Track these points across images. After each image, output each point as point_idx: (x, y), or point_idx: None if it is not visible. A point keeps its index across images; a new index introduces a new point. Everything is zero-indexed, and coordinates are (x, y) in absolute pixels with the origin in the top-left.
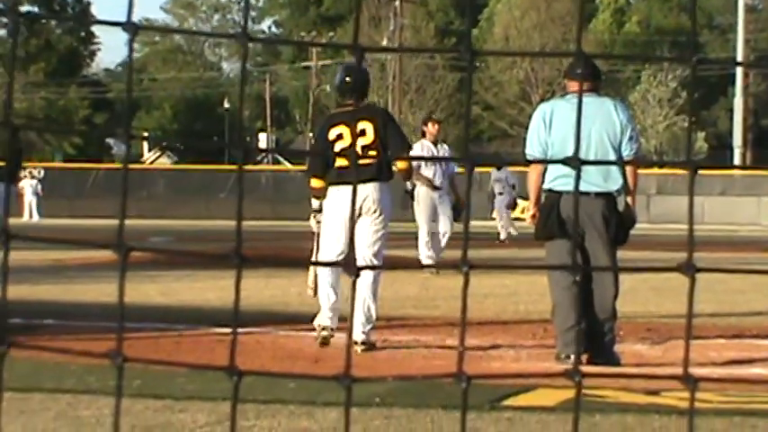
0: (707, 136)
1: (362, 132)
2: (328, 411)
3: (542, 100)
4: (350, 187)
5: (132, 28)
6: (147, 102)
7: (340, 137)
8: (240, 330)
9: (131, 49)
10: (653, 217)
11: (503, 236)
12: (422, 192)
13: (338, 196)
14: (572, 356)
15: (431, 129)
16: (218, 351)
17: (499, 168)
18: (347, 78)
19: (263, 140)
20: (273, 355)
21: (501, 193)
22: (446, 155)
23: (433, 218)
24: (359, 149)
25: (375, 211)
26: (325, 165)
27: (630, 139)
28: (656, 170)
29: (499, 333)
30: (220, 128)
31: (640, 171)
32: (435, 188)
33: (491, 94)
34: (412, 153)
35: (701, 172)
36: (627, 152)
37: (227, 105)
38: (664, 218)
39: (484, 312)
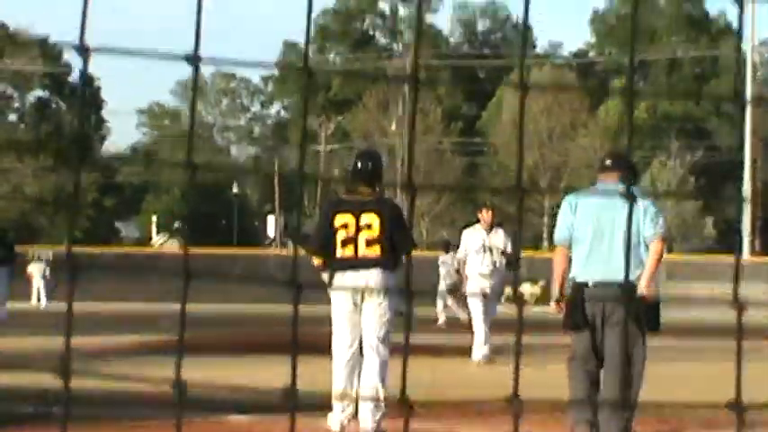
0: (715, 221)
1: (368, 226)
2: None
3: (549, 186)
4: (353, 273)
5: (85, 51)
6: (155, 186)
7: (344, 226)
8: (254, 419)
9: (84, 73)
10: (663, 302)
11: (441, 320)
12: (471, 284)
13: (342, 284)
14: None
15: (484, 215)
16: None
17: (447, 251)
18: (359, 164)
19: (271, 223)
20: None
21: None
22: (500, 241)
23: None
24: (363, 242)
25: (379, 295)
26: (326, 246)
27: (652, 220)
28: (665, 255)
29: (510, 423)
30: (229, 212)
31: None
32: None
33: (499, 179)
34: (464, 238)
35: (709, 258)
36: (650, 232)
37: (235, 190)
38: (674, 303)
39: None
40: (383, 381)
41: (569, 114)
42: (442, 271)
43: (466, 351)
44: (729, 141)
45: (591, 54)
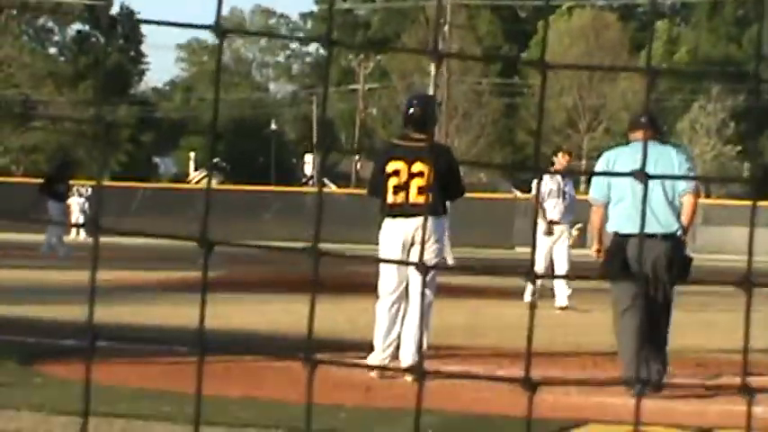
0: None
1: (420, 174)
2: None
3: (588, 128)
4: (403, 220)
5: None
6: (194, 121)
7: (396, 173)
8: (291, 357)
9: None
10: (698, 247)
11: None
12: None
13: (392, 229)
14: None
15: (561, 160)
16: (269, 377)
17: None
18: (411, 110)
19: (308, 162)
20: (325, 383)
21: None
22: (570, 189)
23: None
24: (414, 189)
25: (427, 241)
26: (378, 191)
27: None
28: (702, 200)
29: (548, 365)
30: (267, 149)
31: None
32: (550, 231)
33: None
34: (540, 183)
35: (746, 203)
36: (683, 188)
37: (273, 127)
38: (709, 248)
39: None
40: (427, 325)
41: (610, 57)
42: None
43: (508, 293)
44: None
45: None
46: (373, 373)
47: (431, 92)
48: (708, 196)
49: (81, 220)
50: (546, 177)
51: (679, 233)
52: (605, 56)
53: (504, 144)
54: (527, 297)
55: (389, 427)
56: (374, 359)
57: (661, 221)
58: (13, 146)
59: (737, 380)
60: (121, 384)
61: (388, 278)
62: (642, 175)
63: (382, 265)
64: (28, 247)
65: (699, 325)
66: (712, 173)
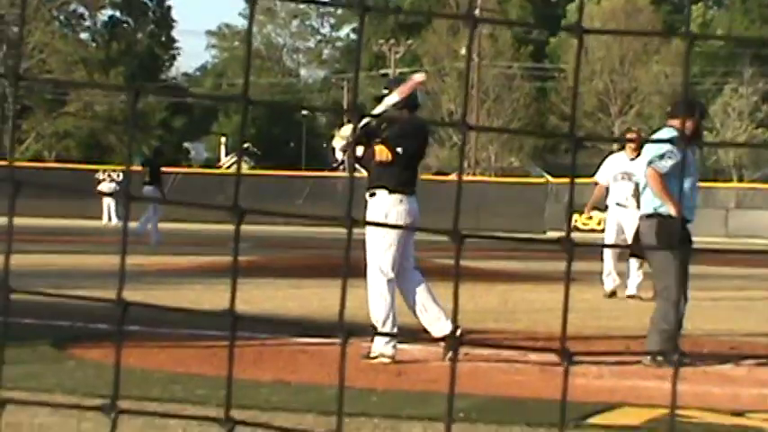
0: None
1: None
2: (412, 425)
3: (620, 111)
4: (411, 199)
5: None
6: (225, 107)
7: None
8: (324, 341)
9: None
10: (731, 231)
11: None
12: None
13: (401, 209)
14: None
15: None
16: (301, 362)
17: None
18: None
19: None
20: (356, 367)
21: None
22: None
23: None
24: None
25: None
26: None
27: (651, 158)
28: (735, 184)
29: (580, 349)
30: (298, 133)
31: (719, 184)
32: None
33: (569, 105)
34: (606, 165)
35: None
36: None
37: (304, 111)
38: (742, 232)
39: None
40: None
41: (641, 40)
42: None
43: (539, 277)
44: None
45: None
46: (388, 354)
47: (465, 67)
48: (741, 180)
49: (113, 206)
50: (611, 160)
51: (661, 211)
52: (636, 40)
53: (536, 128)
54: (608, 285)
55: (421, 409)
56: (380, 343)
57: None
58: (46, 132)
59: None
60: (155, 368)
61: (392, 257)
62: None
63: (387, 245)
64: (60, 232)
65: (732, 309)
66: (744, 156)
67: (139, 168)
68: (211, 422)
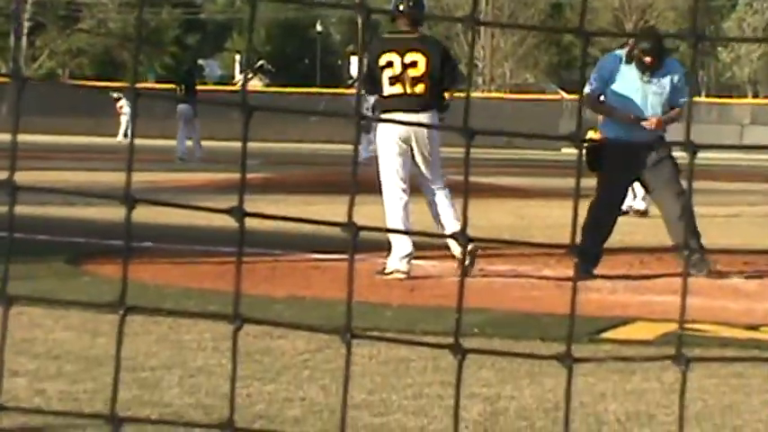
0: None
1: (413, 64)
2: (426, 340)
3: (635, 28)
4: (402, 114)
5: None
6: (239, 23)
7: (390, 64)
8: (335, 257)
9: None
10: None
11: None
12: None
13: (390, 125)
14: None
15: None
16: (315, 277)
17: None
18: (400, 5)
19: (354, 63)
20: (370, 283)
21: None
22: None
23: None
24: (409, 80)
25: (427, 139)
26: (374, 88)
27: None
28: (750, 100)
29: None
30: (312, 51)
31: (734, 101)
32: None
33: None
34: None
35: None
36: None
37: (319, 28)
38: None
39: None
40: (454, 210)
41: None
42: None
43: (552, 193)
44: None
45: None
46: (402, 270)
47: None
48: (756, 96)
49: (128, 124)
50: None
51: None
52: None
53: (551, 44)
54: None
55: (435, 324)
56: (394, 261)
57: None
58: (60, 49)
59: None
60: (168, 284)
61: (395, 176)
62: None
63: (386, 164)
64: (74, 149)
65: (747, 224)
66: (760, 72)
67: (173, 86)
68: (221, 320)
